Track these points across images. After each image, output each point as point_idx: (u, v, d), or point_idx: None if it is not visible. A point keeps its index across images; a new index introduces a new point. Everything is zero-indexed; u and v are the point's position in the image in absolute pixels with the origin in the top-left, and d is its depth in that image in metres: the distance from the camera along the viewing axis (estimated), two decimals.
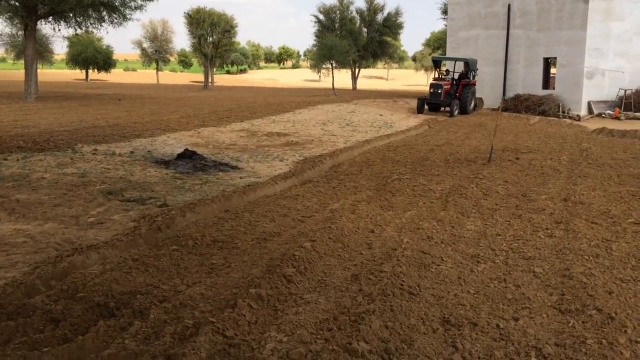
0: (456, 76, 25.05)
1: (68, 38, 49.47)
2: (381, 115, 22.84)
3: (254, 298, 4.34)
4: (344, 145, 14.06)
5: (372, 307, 4.22)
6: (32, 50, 27.65)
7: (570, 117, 21.59)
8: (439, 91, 23.47)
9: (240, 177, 9.88)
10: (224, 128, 17.52)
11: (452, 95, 23.86)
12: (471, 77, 24.81)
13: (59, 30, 29.87)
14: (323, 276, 5.13)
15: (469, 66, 24.79)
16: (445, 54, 31.62)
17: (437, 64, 25.95)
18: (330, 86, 44.82)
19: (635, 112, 21.42)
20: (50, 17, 28.27)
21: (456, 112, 23.24)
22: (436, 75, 25.18)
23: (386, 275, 4.89)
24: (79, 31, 30.58)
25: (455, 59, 26.43)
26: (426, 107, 24.42)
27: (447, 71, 25.83)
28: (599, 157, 12.17)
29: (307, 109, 25.08)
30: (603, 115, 21.74)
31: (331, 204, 7.97)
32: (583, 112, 22.14)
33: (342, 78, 56.37)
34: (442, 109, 24.35)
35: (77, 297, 4.46)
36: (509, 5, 25.57)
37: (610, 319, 4.20)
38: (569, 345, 3.86)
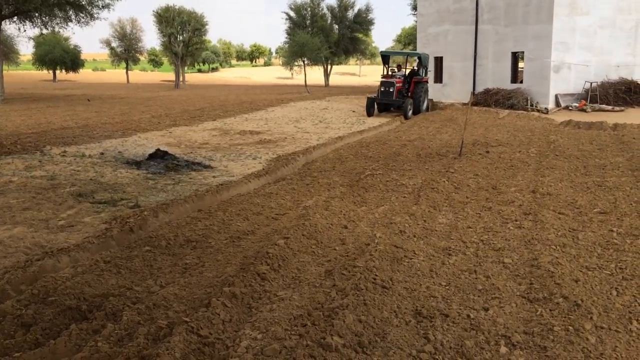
0: (404, 73, 23.23)
1: (34, 38, 48.44)
2: (354, 111, 22.94)
3: (228, 296, 4.35)
4: (317, 143, 14.10)
5: (345, 301, 4.27)
6: None
7: (538, 110, 21.99)
8: (391, 90, 21.02)
9: (214, 176, 9.84)
10: (196, 127, 17.41)
11: (404, 93, 21.68)
12: (423, 74, 22.73)
13: (24, 30, 29.30)
14: (297, 273, 5.17)
15: (421, 62, 22.62)
16: (415, 49, 31.83)
17: (386, 59, 23.53)
18: (303, 83, 44.81)
19: (600, 104, 21.91)
20: (15, 17, 27.69)
21: (410, 112, 20.83)
22: (384, 72, 23.01)
23: (359, 270, 4.94)
24: (45, 31, 30.08)
25: (407, 54, 25.21)
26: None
27: (399, 66, 23.86)
28: (566, 149, 12.44)
29: (280, 107, 25.07)
30: (570, 108, 22.19)
31: (305, 201, 8.00)
32: (550, 105, 22.56)
33: (314, 75, 56.47)
34: (391, 109, 22.18)
35: (48, 301, 4.41)
36: (477, 1, 25.89)
37: (576, 306, 4.32)
38: (537, 332, 3.96)
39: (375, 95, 22.06)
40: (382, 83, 21.62)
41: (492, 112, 21.94)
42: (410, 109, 20.87)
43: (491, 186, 8.82)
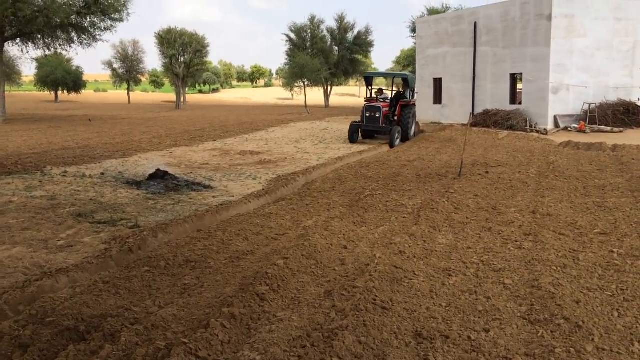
0: (387, 96, 21.44)
1: (36, 59, 48.88)
2: None
3: (227, 317, 4.32)
4: (317, 163, 14.13)
5: (345, 322, 4.24)
6: None
7: (537, 131, 22.06)
8: (377, 115, 19.20)
9: (213, 197, 9.85)
10: (196, 147, 17.47)
11: (390, 119, 19.77)
12: (410, 97, 20.88)
13: (27, 51, 29.62)
14: (296, 293, 5.14)
15: (408, 84, 20.91)
16: (414, 71, 32.05)
17: (369, 81, 21.70)
18: (303, 104, 45.06)
19: (599, 125, 22.00)
20: (18, 38, 27.98)
21: (397, 141, 18.95)
22: (368, 95, 21.27)
23: (359, 291, 4.92)
24: (47, 52, 30.33)
25: (394, 75, 23.68)
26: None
27: (380, 90, 21.83)
28: (566, 169, 12.46)
29: (280, 127, 25.20)
30: (569, 129, 22.26)
31: (304, 221, 7.99)
32: (550, 126, 22.64)
33: (314, 96, 56.83)
34: (376, 136, 20.53)
35: (46, 322, 4.38)
36: (475, 23, 26.15)
37: (577, 328, 4.29)
38: (538, 354, 3.93)
39: (360, 120, 20.10)
40: (366, 108, 19.68)
41: (491, 133, 22.02)
42: (398, 137, 19.09)
43: (491, 207, 8.82)
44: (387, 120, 19.58)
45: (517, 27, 24.04)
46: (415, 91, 21.90)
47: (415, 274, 5.62)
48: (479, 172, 12.14)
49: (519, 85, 26.26)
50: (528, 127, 22.53)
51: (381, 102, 20.13)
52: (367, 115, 19.48)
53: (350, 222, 7.86)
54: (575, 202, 9.10)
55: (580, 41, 22.85)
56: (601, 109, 22.65)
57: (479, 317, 4.58)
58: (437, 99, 28.94)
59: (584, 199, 9.29)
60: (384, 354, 3.90)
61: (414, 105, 21.40)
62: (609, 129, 21.53)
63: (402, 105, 20.22)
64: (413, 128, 20.90)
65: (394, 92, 21.63)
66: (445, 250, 6.53)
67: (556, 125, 22.77)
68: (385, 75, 25.62)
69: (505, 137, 20.71)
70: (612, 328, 4.35)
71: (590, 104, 22.74)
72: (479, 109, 25.87)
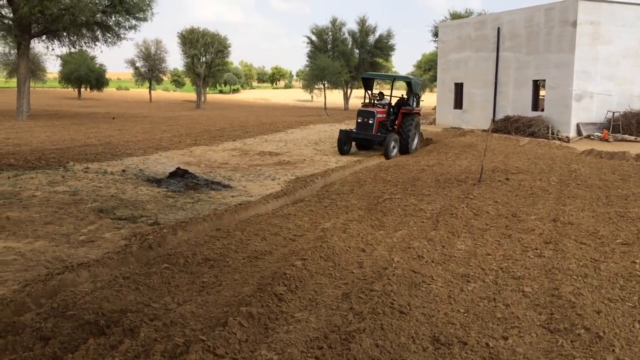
0: (393, 101, 18.50)
1: (61, 57, 49.67)
2: None
3: (245, 316, 4.34)
4: (335, 165, 14.13)
5: (362, 325, 4.24)
6: (25, 68, 27.74)
7: (559, 139, 21.82)
8: (371, 122, 16.56)
9: (232, 196, 9.90)
10: (216, 147, 17.59)
11: (387, 127, 17.13)
12: (413, 104, 17.91)
13: (52, 49, 30.07)
14: (314, 295, 5.14)
15: (412, 88, 17.86)
16: (435, 75, 31.87)
17: (368, 83, 18.77)
18: (322, 106, 45.14)
19: (623, 134, 21.68)
20: (44, 35, 28.44)
21: (394, 151, 16.42)
22: (367, 100, 18.53)
23: (377, 294, 4.91)
24: (72, 50, 30.78)
25: (394, 78, 20.52)
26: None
27: (381, 94, 18.71)
28: (588, 178, 12.30)
29: (299, 129, 25.27)
30: (592, 137, 21.98)
31: (322, 223, 8.00)
32: (572, 133, 22.38)
33: (334, 98, 56.90)
34: (374, 146, 17.50)
35: (67, 315, 4.44)
36: (498, 29, 25.97)
37: (598, 338, 4.24)
38: None
39: (355, 128, 17.40)
40: (359, 113, 17.09)
41: (512, 140, 21.82)
42: (395, 147, 16.50)
43: (511, 214, 8.74)
44: (382, 127, 16.92)
45: (541, 33, 23.81)
46: (420, 98, 19.06)
47: (433, 279, 5.59)
48: (499, 179, 12.03)
49: (542, 92, 25.99)
50: (550, 135, 22.29)
51: (379, 107, 17.50)
52: (359, 120, 16.90)
53: (369, 226, 7.85)
54: (597, 211, 8.97)
55: (605, 48, 22.55)
56: (625, 118, 22.34)
57: (498, 325, 4.54)
58: (458, 104, 28.81)
59: (606, 209, 9.16)
60: (401, 358, 3.89)
61: (418, 113, 18.46)
62: (632, 138, 21.22)
63: (403, 113, 17.55)
64: (415, 140, 17.96)
65: (397, 98, 18.92)
66: (464, 256, 6.49)
67: (579, 133, 22.50)
68: (385, 77, 22.32)
69: (527, 144, 20.50)
70: (633, 339, 4.29)
71: (614, 113, 22.44)
72: (500, 115, 25.67)
